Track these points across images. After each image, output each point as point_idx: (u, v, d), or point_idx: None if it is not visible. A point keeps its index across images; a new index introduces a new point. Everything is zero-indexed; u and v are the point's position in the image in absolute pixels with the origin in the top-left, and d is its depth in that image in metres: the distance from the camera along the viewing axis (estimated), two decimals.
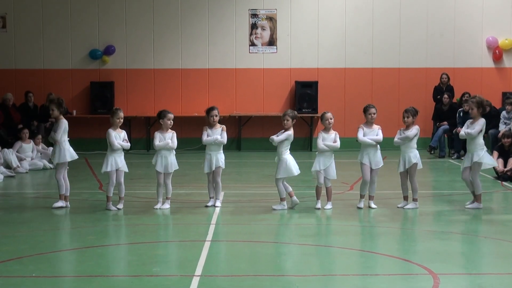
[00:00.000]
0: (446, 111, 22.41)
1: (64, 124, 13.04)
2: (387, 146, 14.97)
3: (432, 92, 23.54)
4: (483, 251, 9.75)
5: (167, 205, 12.79)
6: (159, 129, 13.15)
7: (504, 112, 20.52)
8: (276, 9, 24.04)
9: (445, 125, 22.17)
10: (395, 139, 12.70)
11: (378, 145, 12.74)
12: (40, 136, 20.10)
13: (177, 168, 12.96)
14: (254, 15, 24.04)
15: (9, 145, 19.35)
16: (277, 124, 23.01)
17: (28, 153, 19.25)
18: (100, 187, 15.55)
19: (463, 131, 12.65)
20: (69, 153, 12.99)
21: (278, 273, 8.84)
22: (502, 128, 19.78)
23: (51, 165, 19.16)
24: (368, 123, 12.86)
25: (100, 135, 18.88)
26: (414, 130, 12.67)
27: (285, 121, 13.00)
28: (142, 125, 23.67)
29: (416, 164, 12.58)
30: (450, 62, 23.96)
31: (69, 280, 8.69)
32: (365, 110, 13.00)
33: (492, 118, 21.15)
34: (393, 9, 23.94)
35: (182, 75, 24.00)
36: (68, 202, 12.90)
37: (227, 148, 22.50)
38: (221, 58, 24.01)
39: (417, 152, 12.67)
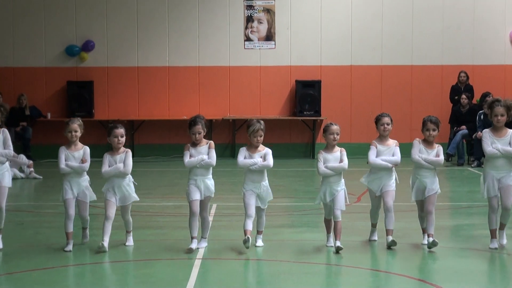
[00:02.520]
0: (464, 113, 22.50)
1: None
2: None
3: (449, 92, 23.64)
4: (507, 270, 9.78)
5: (129, 241, 11.20)
6: (109, 151, 11.02)
7: None
8: (274, 1, 24.12)
9: (463, 130, 22.25)
10: (416, 157, 10.66)
11: (393, 168, 11.02)
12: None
13: (136, 199, 11.03)
14: (249, 7, 24.13)
15: None
16: (275, 128, 23.19)
17: None
18: None
19: (495, 148, 10.39)
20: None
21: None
22: None
23: (21, 174, 19.27)
24: (382, 137, 10.98)
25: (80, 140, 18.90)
26: (442, 155, 10.81)
27: (259, 137, 11.05)
28: (125, 128, 23.70)
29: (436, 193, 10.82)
30: (469, 59, 24.07)
31: None
32: (377, 121, 11.05)
33: None
34: (405, 1, 24.03)
35: (170, 74, 24.08)
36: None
37: (220, 154, 22.61)
38: (213, 54, 24.11)
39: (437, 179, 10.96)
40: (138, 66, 24.10)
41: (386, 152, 10.88)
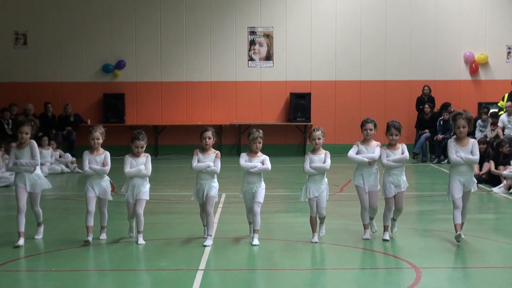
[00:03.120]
0: (427, 120, 22.50)
1: None
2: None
3: (415, 102, 23.59)
4: (461, 247, 9.77)
5: (141, 240, 10.13)
6: (131, 153, 10.27)
7: (479, 121, 20.59)
8: (272, 27, 24.08)
9: (426, 133, 22.26)
10: (385, 161, 10.06)
11: (376, 165, 10.34)
12: (53, 142, 20.27)
13: (147, 198, 10.26)
14: (252, 32, 24.08)
15: None
16: (273, 131, 23.17)
17: (47, 159, 19.31)
18: (113, 190, 15.49)
19: (459, 157, 9.83)
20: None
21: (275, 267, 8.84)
22: (478, 135, 19.86)
23: (67, 169, 19.39)
24: (365, 140, 10.28)
25: (112, 142, 18.85)
26: (406, 151, 10.16)
27: (258, 144, 10.20)
28: (151, 133, 23.68)
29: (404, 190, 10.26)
30: (431, 75, 24.03)
31: (83, 274, 8.72)
32: (362, 125, 10.34)
33: None
34: (379, 26, 24.00)
35: (187, 87, 24.03)
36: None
37: (228, 153, 22.66)
38: (222, 71, 24.04)
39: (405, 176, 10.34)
40: (161, 81, 24.05)
41: (367, 152, 10.20)
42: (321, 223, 10.30)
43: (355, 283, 8.33)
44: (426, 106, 22.83)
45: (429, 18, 24.03)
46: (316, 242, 10.01)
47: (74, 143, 22.89)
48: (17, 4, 23.68)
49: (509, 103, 20.62)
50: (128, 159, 10.07)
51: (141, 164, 10.12)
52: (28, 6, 23.71)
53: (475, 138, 18.58)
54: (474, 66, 24.07)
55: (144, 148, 10.21)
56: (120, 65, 23.90)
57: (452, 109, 22.18)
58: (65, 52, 23.92)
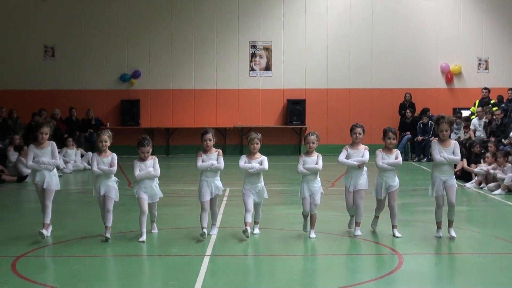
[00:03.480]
0: (409, 123, 22.52)
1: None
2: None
3: (398, 108, 23.60)
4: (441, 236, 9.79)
5: (154, 229, 10.09)
6: (139, 158, 9.79)
7: (455, 124, 20.56)
8: (271, 41, 24.08)
9: (408, 135, 22.27)
10: (380, 163, 9.68)
11: (365, 168, 9.92)
12: (70, 140, 20.33)
13: (161, 196, 9.93)
14: (253, 46, 24.08)
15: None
16: (272, 133, 23.17)
17: (72, 157, 19.45)
18: (129, 184, 15.53)
19: (442, 157, 9.53)
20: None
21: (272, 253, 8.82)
22: (453, 136, 19.85)
23: (89, 166, 19.32)
24: (354, 143, 9.87)
25: (128, 142, 18.90)
26: (400, 157, 9.88)
27: (255, 145, 9.75)
28: (163, 134, 23.73)
29: (396, 189, 9.84)
30: (412, 84, 24.03)
31: (106, 259, 8.75)
32: (351, 130, 9.92)
33: None
34: (366, 42, 24.02)
35: (195, 94, 24.02)
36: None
37: (231, 153, 22.65)
38: (227, 80, 24.05)
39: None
40: (172, 89, 24.04)
41: (356, 155, 9.80)
42: (311, 227, 9.75)
43: (344, 267, 8.34)
44: (408, 111, 22.85)
45: (410, 34, 24.04)
46: (307, 232, 9.77)
47: (95, 143, 22.83)
48: (46, 22, 23.68)
49: (479, 108, 20.68)
50: (137, 163, 9.64)
51: (149, 166, 9.66)
52: (55, 23, 23.72)
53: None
54: (449, 76, 24.08)
55: (150, 153, 9.73)
56: (135, 74, 23.89)
57: (430, 114, 22.28)
58: (88, 63, 23.92)
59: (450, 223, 9.67)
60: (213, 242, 9.41)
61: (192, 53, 23.97)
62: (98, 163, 9.62)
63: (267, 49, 24.11)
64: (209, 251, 8.85)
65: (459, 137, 19.71)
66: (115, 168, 9.67)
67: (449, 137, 9.70)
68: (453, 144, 9.62)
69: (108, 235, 9.46)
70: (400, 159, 9.83)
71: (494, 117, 19.58)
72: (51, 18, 23.73)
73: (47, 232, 9.67)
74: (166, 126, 23.81)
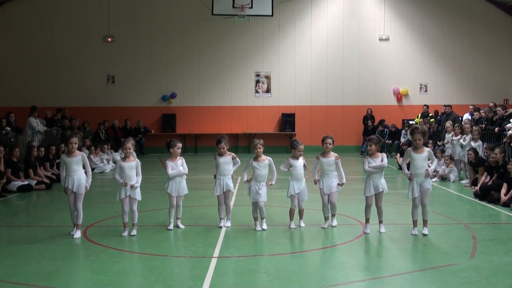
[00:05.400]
0: (370, 130, 22.46)
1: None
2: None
3: (362, 119, 23.58)
4: (390, 211, 9.76)
5: (181, 226, 8.76)
6: (169, 158, 8.72)
7: (403, 131, 20.58)
8: (270, 71, 24.08)
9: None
10: (366, 168, 8.33)
11: (335, 172, 8.70)
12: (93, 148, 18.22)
13: (187, 192, 8.79)
14: (257, 75, 24.07)
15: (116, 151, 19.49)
16: (270, 138, 23.17)
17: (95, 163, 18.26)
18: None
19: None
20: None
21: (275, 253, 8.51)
22: (402, 140, 19.84)
23: (140, 163, 19.04)
24: (325, 152, 8.69)
25: None
26: (385, 159, 8.40)
27: (258, 149, 8.70)
28: (192, 138, 23.75)
29: (382, 191, 8.42)
30: (372, 101, 23.98)
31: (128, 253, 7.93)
32: (322, 140, 8.75)
33: (397, 134, 21.22)
34: (338, 70, 23.98)
35: (216, 110, 24.00)
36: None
37: (241, 151, 22.64)
38: (238, 99, 24.01)
39: (384, 179, 8.45)
40: (199, 106, 24.07)
41: (326, 162, 8.58)
42: (300, 218, 8.81)
43: (323, 234, 8.30)
44: (369, 121, 22.82)
45: (371, 65, 24.00)
46: (294, 228, 8.61)
47: (143, 145, 22.98)
48: (109, 57, 23.73)
49: (421, 119, 20.62)
50: (169, 163, 8.58)
51: (179, 166, 8.61)
52: (115, 58, 23.76)
53: (400, 141, 18.46)
54: (399, 96, 24.03)
55: (180, 150, 8.70)
56: (173, 95, 23.89)
57: (385, 123, 22.20)
58: (138, 87, 23.92)
59: (424, 223, 8.35)
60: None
61: (213, 80, 23.98)
62: (173, 168, 8.53)
63: (267, 77, 24.09)
64: (220, 242, 7.88)
65: (407, 140, 19.67)
66: (140, 177, 8.28)
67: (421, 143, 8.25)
68: (427, 151, 8.23)
69: (135, 231, 8.23)
70: (385, 161, 8.34)
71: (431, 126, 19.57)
72: (112, 54, 23.78)
73: (75, 233, 8.18)
74: (195, 132, 23.82)
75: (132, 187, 8.11)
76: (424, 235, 8.25)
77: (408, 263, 6.86)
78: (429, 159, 8.31)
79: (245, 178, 8.66)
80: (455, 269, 6.49)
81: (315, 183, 8.75)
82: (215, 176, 8.82)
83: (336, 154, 8.72)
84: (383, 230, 8.44)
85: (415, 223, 8.35)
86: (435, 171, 14.59)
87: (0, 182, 12.48)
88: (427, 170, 8.19)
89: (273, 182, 8.67)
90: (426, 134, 8.34)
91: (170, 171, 8.58)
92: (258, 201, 8.52)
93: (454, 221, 9.33)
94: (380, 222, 8.50)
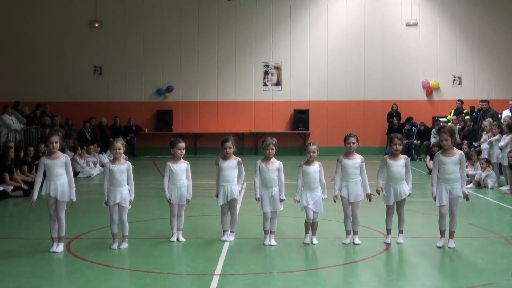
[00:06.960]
0: (395, 129, 22.41)
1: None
2: None
3: (386, 116, 23.56)
4: (419, 222, 9.72)
5: (182, 238, 8.62)
6: (171, 160, 8.59)
7: (434, 130, 20.54)
8: (281, 61, 24.11)
9: None
10: (380, 174, 8.41)
11: (360, 177, 8.33)
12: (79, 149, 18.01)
13: (189, 198, 8.66)
14: (266, 65, 24.11)
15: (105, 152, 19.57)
16: (281, 138, 23.14)
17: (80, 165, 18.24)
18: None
19: (463, 190, 8.10)
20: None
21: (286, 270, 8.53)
22: (433, 140, 19.78)
23: (132, 166, 19.20)
24: (348, 153, 8.35)
25: (163, 145, 18.95)
26: (409, 165, 8.35)
27: (271, 150, 8.37)
28: (191, 138, 23.79)
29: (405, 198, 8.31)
30: (398, 96, 23.97)
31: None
32: (345, 139, 8.41)
33: (427, 133, 21.21)
34: (360, 61, 23.99)
35: (218, 105, 24.08)
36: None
37: (248, 153, 22.68)
38: (244, 94, 24.07)
39: (406, 184, 8.30)
40: (199, 101, 24.13)
41: (351, 165, 8.28)
42: (313, 233, 8.46)
43: (341, 249, 8.28)
44: (395, 119, 22.80)
45: (396, 54, 23.98)
46: (308, 244, 8.35)
47: (135, 145, 23.05)
48: (95, 45, 23.83)
49: (454, 117, 20.61)
50: (168, 167, 8.46)
51: (181, 170, 8.45)
52: (103, 46, 23.85)
53: (430, 142, 18.41)
54: (429, 90, 24.00)
55: (182, 151, 8.56)
56: (169, 89, 23.97)
57: (413, 121, 22.21)
58: (129, 80, 24.03)
59: (451, 234, 8.26)
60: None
61: (215, 71, 24.03)
62: (111, 171, 8.05)
63: (277, 68, 24.12)
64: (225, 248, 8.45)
65: (437, 140, 19.65)
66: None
67: (447, 143, 8.05)
68: (459, 154, 8.07)
69: (126, 244, 8.17)
70: (408, 168, 8.29)
71: (467, 124, 19.53)
72: (99, 42, 23.87)
73: (57, 247, 8.03)
74: (194, 131, 23.87)
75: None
76: (449, 248, 8.15)
77: (438, 282, 6.86)
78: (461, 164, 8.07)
79: (258, 192, 8.30)
80: None
81: (335, 201, 8.37)
82: (217, 196, 8.53)
83: (361, 156, 8.42)
84: (400, 240, 8.36)
85: (442, 233, 8.24)
86: (468, 176, 14.45)
87: None
88: (467, 195, 8.06)
89: (325, 196, 8.27)
90: (455, 134, 8.09)
91: (165, 181, 8.44)
92: (267, 211, 8.37)
93: (492, 234, 9.30)
94: (400, 232, 8.43)
